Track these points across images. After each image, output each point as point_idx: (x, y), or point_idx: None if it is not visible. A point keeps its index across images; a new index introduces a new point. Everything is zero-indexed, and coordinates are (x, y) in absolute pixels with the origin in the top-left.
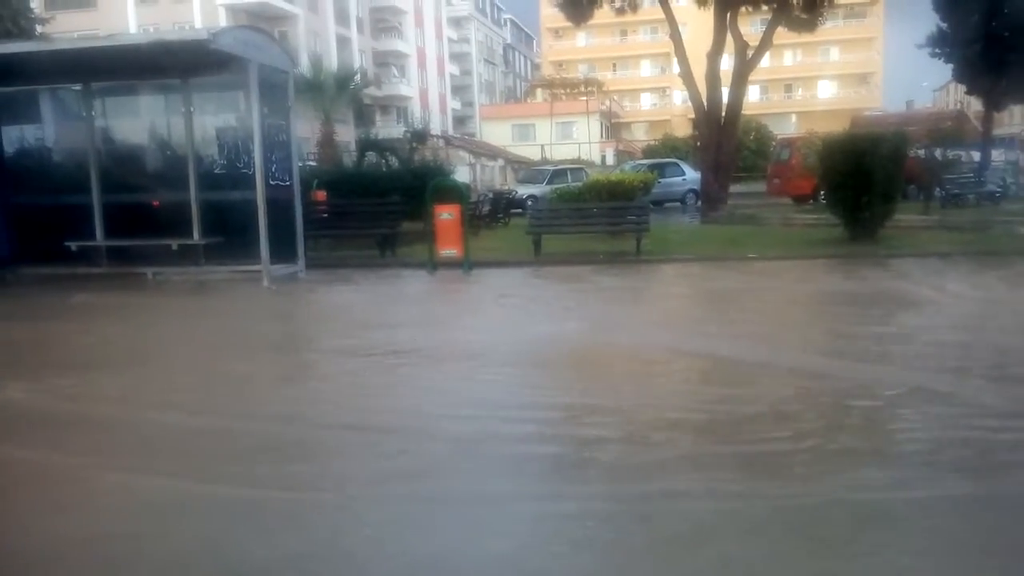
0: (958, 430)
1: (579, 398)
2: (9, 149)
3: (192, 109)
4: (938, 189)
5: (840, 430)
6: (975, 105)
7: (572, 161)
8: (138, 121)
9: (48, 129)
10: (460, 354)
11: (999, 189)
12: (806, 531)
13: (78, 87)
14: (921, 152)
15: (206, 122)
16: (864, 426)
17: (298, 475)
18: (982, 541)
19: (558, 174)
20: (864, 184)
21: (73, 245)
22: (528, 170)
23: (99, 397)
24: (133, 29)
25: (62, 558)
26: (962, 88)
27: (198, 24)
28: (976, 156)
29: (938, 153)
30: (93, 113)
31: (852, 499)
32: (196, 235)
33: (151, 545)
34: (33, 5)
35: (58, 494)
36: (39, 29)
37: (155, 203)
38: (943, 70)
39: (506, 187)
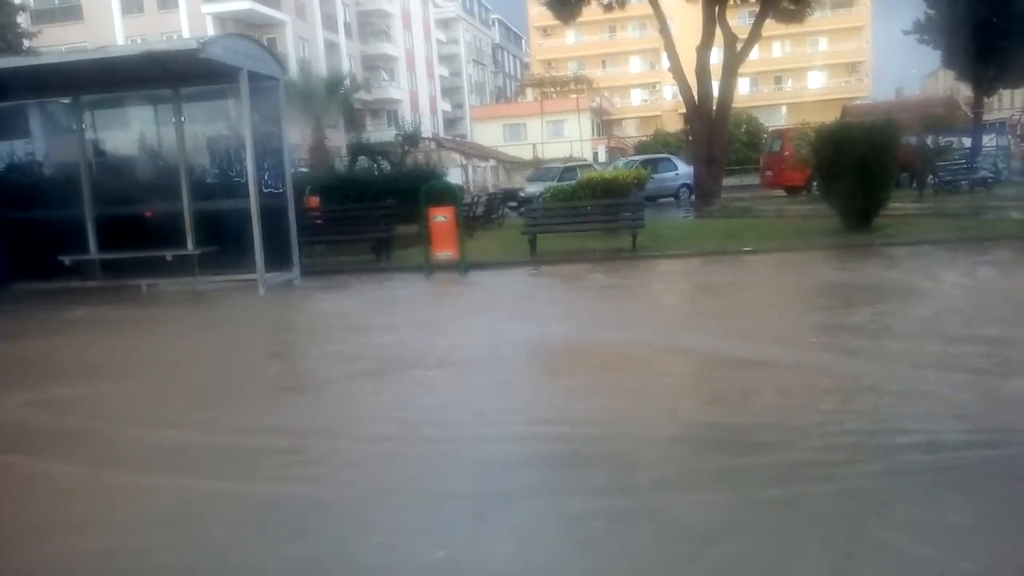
0: None
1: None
2: None
3: (183, 119)
4: (931, 176)
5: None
6: (964, 91)
7: (580, 159)
8: (129, 132)
9: (38, 143)
10: (460, 360)
11: (991, 174)
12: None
13: (67, 100)
14: (912, 140)
15: (197, 131)
16: None
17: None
18: None
19: (568, 171)
20: (857, 173)
21: (67, 259)
22: (537, 168)
23: (102, 412)
24: (120, 40)
25: (75, 570)
26: (951, 74)
27: (186, 33)
28: (967, 142)
29: (929, 140)
30: (83, 126)
31: None
32: (190, 245)
33: (164, 555)
34: (20, 20)
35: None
36: (26, 43)
37: (148, 214)
38: (932, 57)
39: (515, 186)
